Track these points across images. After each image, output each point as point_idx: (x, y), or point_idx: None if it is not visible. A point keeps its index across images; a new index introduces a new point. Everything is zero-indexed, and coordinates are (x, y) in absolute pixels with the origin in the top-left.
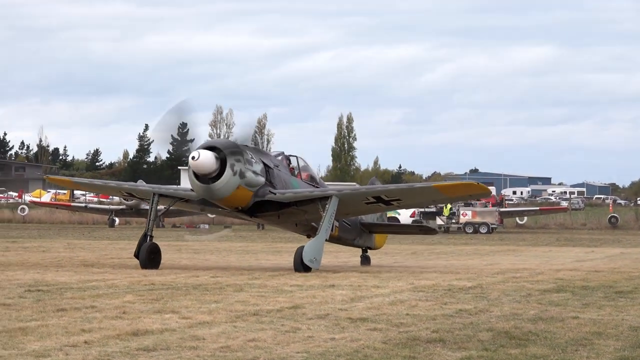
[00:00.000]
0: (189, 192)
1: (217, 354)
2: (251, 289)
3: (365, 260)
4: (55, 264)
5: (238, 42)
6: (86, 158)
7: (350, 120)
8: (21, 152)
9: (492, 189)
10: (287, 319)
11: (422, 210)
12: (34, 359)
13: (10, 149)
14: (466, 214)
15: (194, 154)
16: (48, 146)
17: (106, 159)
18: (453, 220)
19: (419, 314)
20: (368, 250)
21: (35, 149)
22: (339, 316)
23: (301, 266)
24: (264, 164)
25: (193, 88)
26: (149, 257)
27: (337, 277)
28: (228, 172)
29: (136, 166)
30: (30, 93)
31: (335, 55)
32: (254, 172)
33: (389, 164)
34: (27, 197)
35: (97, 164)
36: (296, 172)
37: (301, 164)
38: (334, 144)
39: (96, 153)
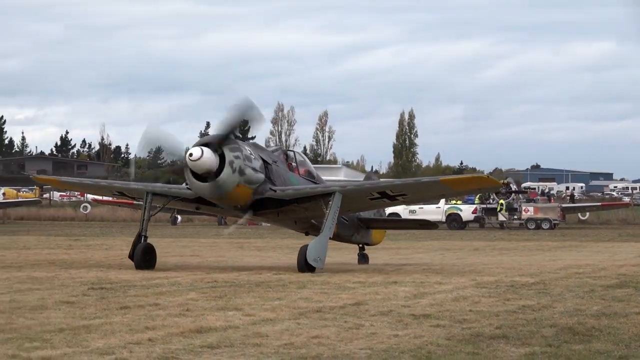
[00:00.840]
0: (184, 190)
1: (281, 350)
2: (314, 286)
3: (363, 258)
4: (118, 262)
5: (299, 39)
6: (148, 156)
7: (411, 116)
8: (83, 151)
9: (554, 185)
10: (350, 316)
11: (484, 206)
12: (98, 356)
13: (72, 147)
14: (528, 210)
15: (192, 151)
16: (110, 144)
17: (168, 156)
18: (515, 216)
19: (482, 310)
20: (365, 248)
21: (97, 147)
22: (402, 313)
23: (305, 266)
24: (263, 160)
25: (254, 85)
26: (144, 257)
27: (399, 273)
28: (227, 169)
29: None
30: (92, 91)
31: (396, 51)
32: (254, 169)
33: (451, 160)
34: (90, 195)
35: (159, 162)
36: (294, 168)
37: (299, 159)
38: (395, 141)
39: (158, 151)
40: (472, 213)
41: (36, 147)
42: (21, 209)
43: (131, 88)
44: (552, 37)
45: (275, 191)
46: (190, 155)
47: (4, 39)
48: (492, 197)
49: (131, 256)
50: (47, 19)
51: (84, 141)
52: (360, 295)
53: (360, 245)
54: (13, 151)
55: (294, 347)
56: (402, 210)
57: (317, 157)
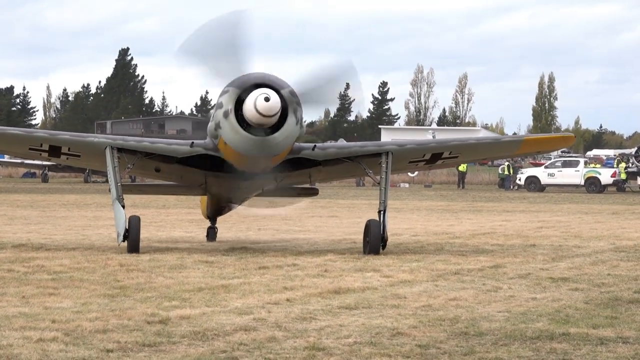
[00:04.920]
0: (161, 145)
1: (419, 312)
2: (452, 248)
3: (214, 233)
4: (256, 223)
5: (436, 0)
6: None
7: (551, 79)
8: None
9: None
10: (488, 278)
11: (624, 170)
12: (237, 316)
13: (212, 107)
14: None
15: (266, 93)
16: None
17: (307, 117)
18: None
19: (621, 274)
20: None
21: None
22: (540, 276)
23: (381, 245)
24: None
25: (391, 47)
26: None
27: (538, 237)
28: (291, 120)
29: (337, 125)
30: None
31: (533, 13)
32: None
33: (590, 124)
34: None
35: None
36: None
37: None
38: (534, 104)
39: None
40: (611, 177)
41: (176, 106)
42: None
43: (265, 49)
44: None
45: (313, 149)
46: (267, 99)
47: None
48: (631, 161)
49: (126, 235)
50: None
51: None
52: (499, 257)
53: (214, 219)
54: (153, 111)
55: (432, 309)
56: (541, 173)
57: (456, 119)
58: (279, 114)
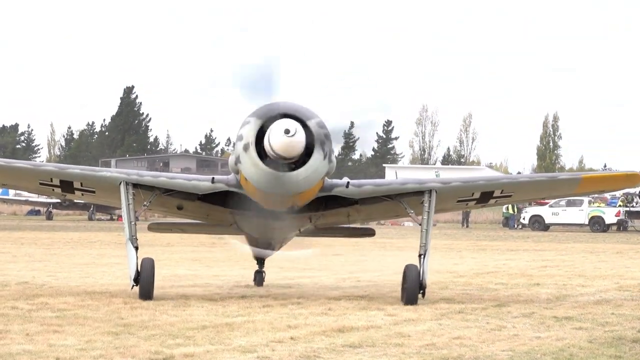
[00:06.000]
0: (180, 181)
1: (423, 351)
2: (455, 287)
3: (262, 278)
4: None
5: (440, 39)
6: None
7: (556, 118)
8: (228, 149)
9: None
10: (492, 317)
11: (628, 209)
12: (241, 354)
13: (217, 145)
14: None
15: (287, 125)
16: None
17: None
18: None
19: (625, 313)
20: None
21: None
22: (544, 315)
23: (418, 294)
24: None
25: (395, 85)
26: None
27: (541, 276)
28: (318, 154)
29: (340, 164)
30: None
31: (537, 51)
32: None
33: (594, 163)
34: None
35: None
36: None
37: None
38: (539, 143)
39: None
40: (616, 216)
41: (180, 144)
42: None
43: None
44: None
45: (347, 187)
46: (287, 132)
47: None
48: (635, 200)
49: (137, 279)
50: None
51: (228, 139)
52: (503, 296)
53: (262, 262)
54: (158, 149)
55: (436, 347)
56: (545, 212)
57: (460, 158)
58: (302, 147)
